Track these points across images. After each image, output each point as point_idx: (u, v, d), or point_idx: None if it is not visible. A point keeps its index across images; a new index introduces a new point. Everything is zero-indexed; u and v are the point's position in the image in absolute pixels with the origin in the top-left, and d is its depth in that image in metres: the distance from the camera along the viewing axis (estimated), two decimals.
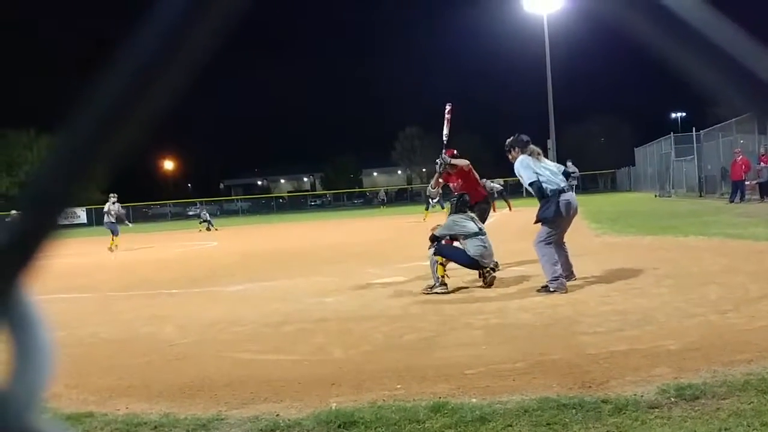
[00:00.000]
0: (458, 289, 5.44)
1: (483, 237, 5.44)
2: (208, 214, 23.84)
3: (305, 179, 77.02)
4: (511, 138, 5.57)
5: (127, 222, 15.76)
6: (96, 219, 36.24)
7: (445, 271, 5.35)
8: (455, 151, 6.60)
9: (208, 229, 22.41)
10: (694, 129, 23.82)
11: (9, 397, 0.31)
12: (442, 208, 12.53)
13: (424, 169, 57.62)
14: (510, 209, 10.65)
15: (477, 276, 5.55)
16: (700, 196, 21.66)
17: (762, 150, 16.97)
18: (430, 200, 17.43)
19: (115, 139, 0.30)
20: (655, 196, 26.03)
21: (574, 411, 2.34)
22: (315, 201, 58.53)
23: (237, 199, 55.78)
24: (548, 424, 2.26)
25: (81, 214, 38.79)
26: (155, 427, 2.51)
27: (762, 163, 16.67)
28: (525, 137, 5.50)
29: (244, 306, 5.34)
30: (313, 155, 69.51)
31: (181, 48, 0.28)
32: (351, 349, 3.57)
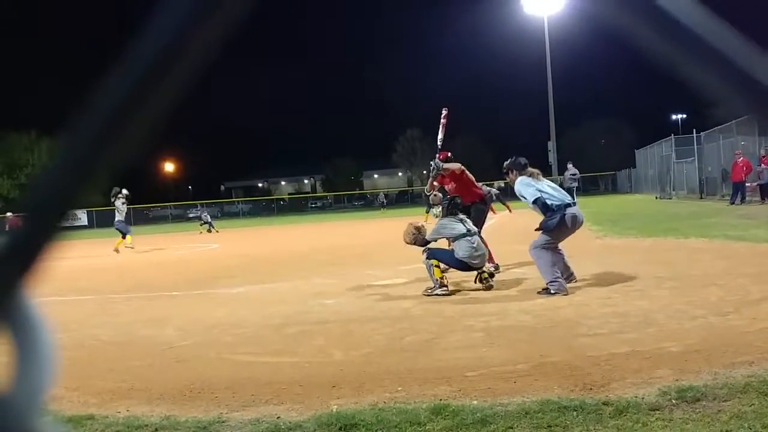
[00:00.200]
0: (459, 290, 5.44)
1: (471, 238, 5.39)
2: (209, 216, 23.86)
3: (306, 181, 77.06)
4: (509, 161, 5.52)
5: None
6: (97, 221, 36.33)
7: (443, 272, 5.35)
8: (449, 154, 6.68)
9: (209, 231, 22.43)
10: (694, 131, 23.83)
11: (11, 400, 0.31)
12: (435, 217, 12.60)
13: (424, 171, 57.65)
14: (510, 211, 10.65)
15: (473, 279, 5.53)
16: (701, 197, 21.64)
17: (762, 151, 16.95)
18: (433, 208, 17.46)
19: (119, 142, 0.30)
20: (656, 197, 26.02)
21: (575, 413, 2.33)
22: (315, 203, 58.53)
23: (238, 201, 55.79)
24: (549, 426, 2.26)
25: (82, 216, 38.84)
26: (156, 429, 2.51)
27: (762, 164, 16.65)
28: (523, 160, 5.44)
29: (245, 308, 5.33)
30: (314, 157, 69.65)
31: (184, 51, 0.28)
32: (352, 351, 3.57)
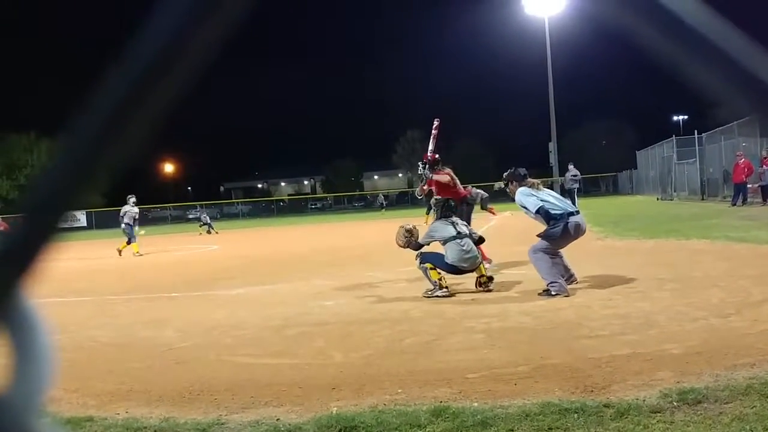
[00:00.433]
0: (459, 292, 5.43)
1: (461, 241, 5.37)
2: (208, 217, 23.87)
3: (306, 182, 77.08)
4: (508, 172, 5.49)
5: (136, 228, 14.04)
6: (96, 222, 36.34)
7: (440, 274, 5.34)
8: (437, 156, 6.80)
9: (208, 232, 22.44)
10: (696, 132, 23.83)
11: (9, 401, 0.31)
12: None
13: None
14: (494, 214, 10.65)
15: (474, 282, 5.52)
16: (702, 199, 21.64)
17: (764, 153, 16.94)
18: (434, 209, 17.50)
19: (118, 142, 0.30)
20: (657, 199, 26.01)
21: (576, 415, 2.33)
22: (315, 204, 58.53)
23: (237, 202, 55.81)
24: (550, 428, 2.25)
25: (81, 218, 38.85)
26: (155, 431, 2.50)
27: (764, 165, 16.64)
28: (522, 170, 5.42)
29: (245, 309, 5.33)
30: (314, 158, 69.74)
31: (184, 51, 0.28)
32: (352, 353, 3.56)
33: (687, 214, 14.54)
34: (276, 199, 59.02)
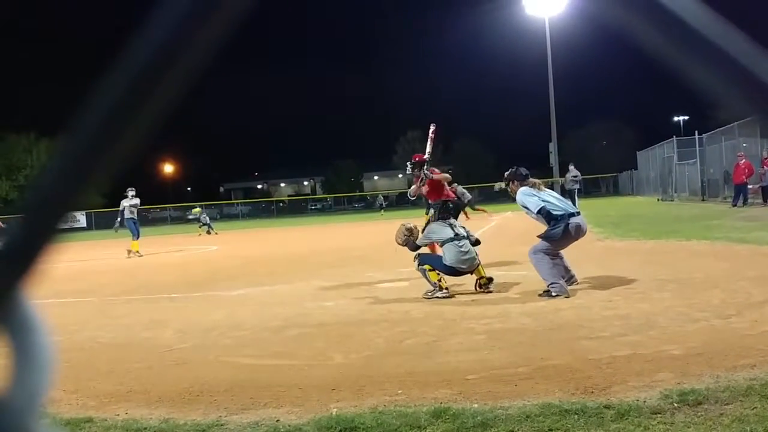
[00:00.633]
0: (459, 293, 5.43)
1: (459, 242, 5.36)
2: (208, 218, 23.86)
3: (306, 183, 77.08)
4: (509, 171, 5.48)
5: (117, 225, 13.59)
6: (96, 223, 36.33)
7: (439, 275, 5.33)
8: (425, 156, 6.80)
9: (208, 232, 22.43)
10: (696, 132, 23.83)
11: (8, 402, 0.31)
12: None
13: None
14: (467, 214, 10.59)
15: (474, 284, 5.51)
16: (703, 199, 21.64)
17: (765, 153, 16.95)
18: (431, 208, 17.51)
19: (118, 143, 0.29)
20: (658, 199, 26.02)
21: (576, 416, 2.33)
22: (315, 205, 58.55)
23: (237, 203, 55.81)
24: (550, 429, 2.25)
25: (81, 218, 38.85)
26: None
27: (765, 166, 16.65)
28: (524, 170, 5.40)
29: (244, 310, 5.33)
30: (314, 159, 69.80)
31: (184, 51, 0.28)
32: (352, 354, 3.56)
33: (687, 214, 14.54)
34: (276, 200, 59.01)
